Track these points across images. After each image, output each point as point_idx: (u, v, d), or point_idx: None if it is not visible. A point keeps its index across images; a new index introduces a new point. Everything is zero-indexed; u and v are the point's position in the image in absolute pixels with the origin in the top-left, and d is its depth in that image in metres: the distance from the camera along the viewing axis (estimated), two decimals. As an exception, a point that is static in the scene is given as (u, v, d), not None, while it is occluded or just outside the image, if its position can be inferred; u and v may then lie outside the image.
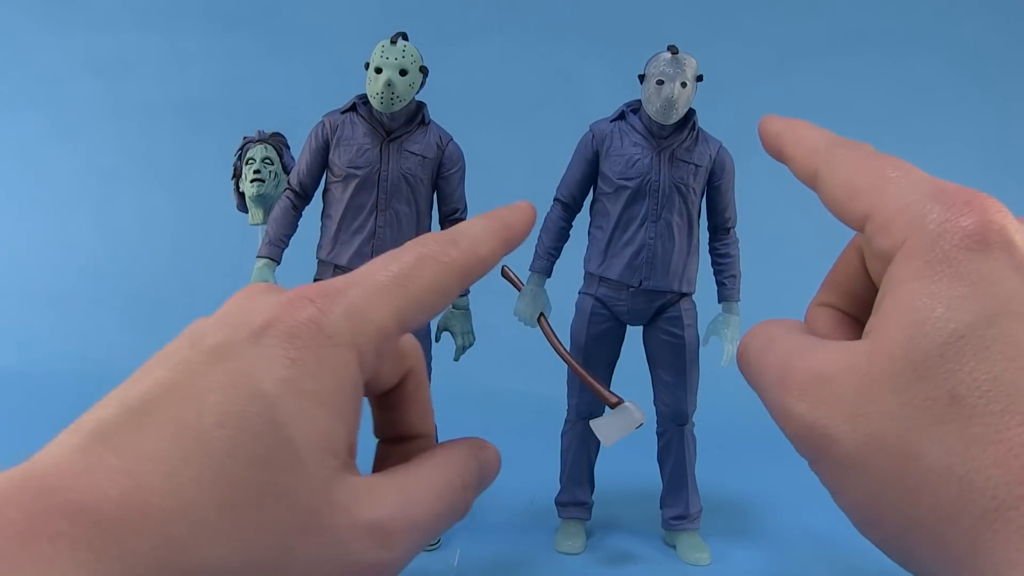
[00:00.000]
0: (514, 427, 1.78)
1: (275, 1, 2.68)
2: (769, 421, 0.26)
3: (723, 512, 1.31)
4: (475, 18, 2.62)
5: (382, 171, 1.13)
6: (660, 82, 1.08)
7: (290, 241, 1.19)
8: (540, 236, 1.19)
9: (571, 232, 1.21)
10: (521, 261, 1.15)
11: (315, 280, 1.18)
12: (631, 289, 1.13)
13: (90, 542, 0.17)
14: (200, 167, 2.51)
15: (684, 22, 2.51)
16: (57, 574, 0.16)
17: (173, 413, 0.19)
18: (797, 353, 0.23)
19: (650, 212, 1.12)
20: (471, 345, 1.24)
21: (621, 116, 1.16)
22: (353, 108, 1.16)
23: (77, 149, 2.67)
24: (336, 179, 1.15)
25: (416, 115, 1.15)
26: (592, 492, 1.20)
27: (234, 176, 1.40)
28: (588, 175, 1.17)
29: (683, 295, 1.16)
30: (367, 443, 0.27)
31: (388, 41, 1.11)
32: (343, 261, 1.14)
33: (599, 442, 0.96)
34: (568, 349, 0.94)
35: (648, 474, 1.25)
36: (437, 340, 1.23)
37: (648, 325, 1.17)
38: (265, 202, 1.34)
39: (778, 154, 0.28)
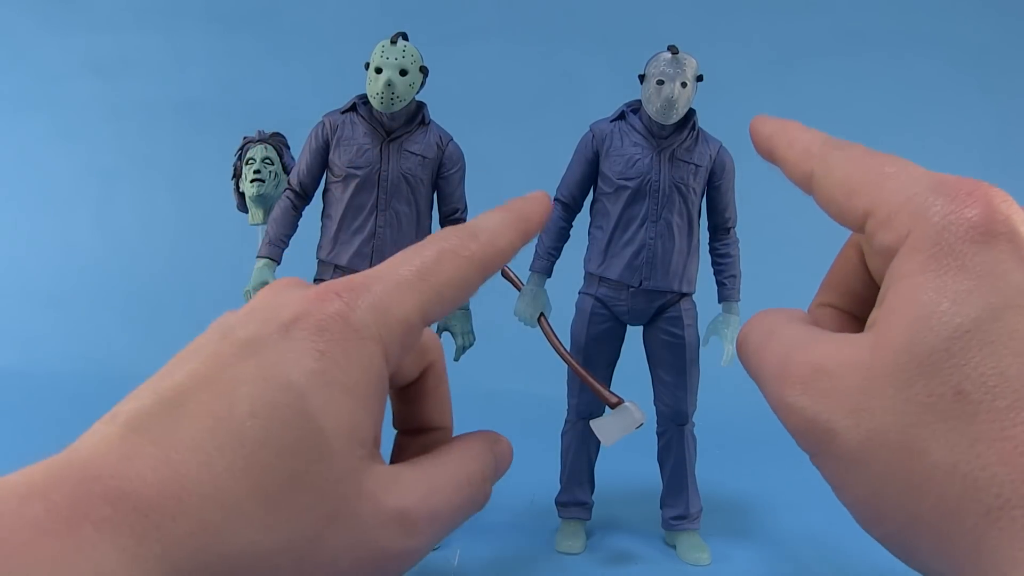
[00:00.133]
0: (514, 427, 1.77)
1: (275, 1, 2.68)
2: (769, 421, 0.26)
3: (723, 512, 1.31)
4: (475, 18, 2.62)
5: (382, 171, 1.13)
6: (660, 82, 1.08)
7: (290, 241, 1.19)
8: (540, 236, 1.19)
9: (571, 232, 1.21)
10: (521, 261, 1.15)
11: (315, 280, 1.18)
12: (631, 289, 1.13)
13: (131, 527, 0.17)
14: (200, 167, 2.51)
15: (684, 22, 2.51)
16: (100, 557, 0.17)
17: (207, 404, 0.20)
18: (798, 345, 0.23)
19: (650, 212, 1.12)
20: (471, 345, 1.24)
21: (621, 116, 1.16)
22: (353, 108, 1.16)
23: (77, 149, 2.67)
24: (336, 179, 1.15)
25: (416, 115, 1.15)
26: (592, 492, 1.20)
27: (234, 176, 1.40)
28: (588, 175, 1.17)
29: (683, 295, 1.16)
30: (386, 434, 0.27)
31: (388, 41, 1.11)
32: (343, 261, 1.14)
33: (599, 442, 0.96)
34: (568, 349, 0.94)
35: (648, 474, 1.25)
36: (437, 340, 1.23)
37: (648, 325, 1.17)
38: (265, 202, 1.34)
39: (770, 156, 0.28)
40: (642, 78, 1.13)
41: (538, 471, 1.34)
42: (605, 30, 2.57)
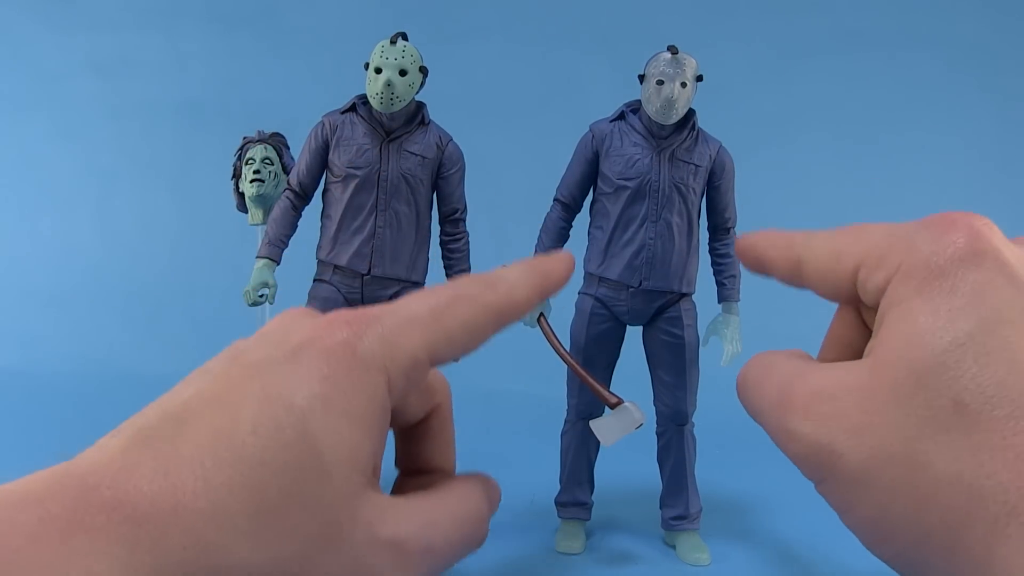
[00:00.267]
0: (514, 427, 1.78)
1: (275, 1, 2.68)
2: (769, 421, 0.26)
3: (723, 512, 1.31)
4: (475, 18, 2.62)
5: (382, 171, 1.13)
6: (660, 82, 1.08)
7: (290, 241, 1.19)
8: (540, 236, 1.19)
9: (571, 232, 1.21)
10: (521, 261, 1.15)
11: (315, 280, 1.18)
12: (631, 289, 1.13)
13: (124, 536, 0.17)
14: (200, 167, 2.51)
15: (684, 22, 2.51)
16: (92, 565, 0.17)
17: (210, 421, 0.20)
18: (797, 374, 0.23)
19: (650, 212, 1.12)
20: (471, 345, 1.24)
21: (621, 116, 1.16)
22: (353, 108, 1.16)
23: (77, 149, 2.67)
24: (336, 179, 1.15)
25: (416, 115, 1.15)
26: (592, 492, 1.20)
27: (234, 176, 1.40)
28: (588, 175, 1.17)
29: (683, 295, 1.16)
30: (387, 473, 0.27)
31: (388, 41, 1.11)
32: (343, 261, 1.14)
33: (599, 442, 0.96)
34: (568, 349, 0.93)
35: (648, 474, 1.25)
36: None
37: (648, 325, 1.17)
38: (265, 202, 1.34)
39: (758, 262, 0.28)
40: (642, 78, 1.13)
41: (538, 471, 1.34)
42: (605, 30, 2.57)
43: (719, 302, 1.20)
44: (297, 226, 1.19)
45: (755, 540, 1.21)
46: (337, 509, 0.20)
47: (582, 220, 1.21)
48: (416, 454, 0.28)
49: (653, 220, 1.12)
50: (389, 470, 0.29)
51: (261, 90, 2.58)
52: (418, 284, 1.19)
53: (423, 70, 1.13)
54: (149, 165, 2.65)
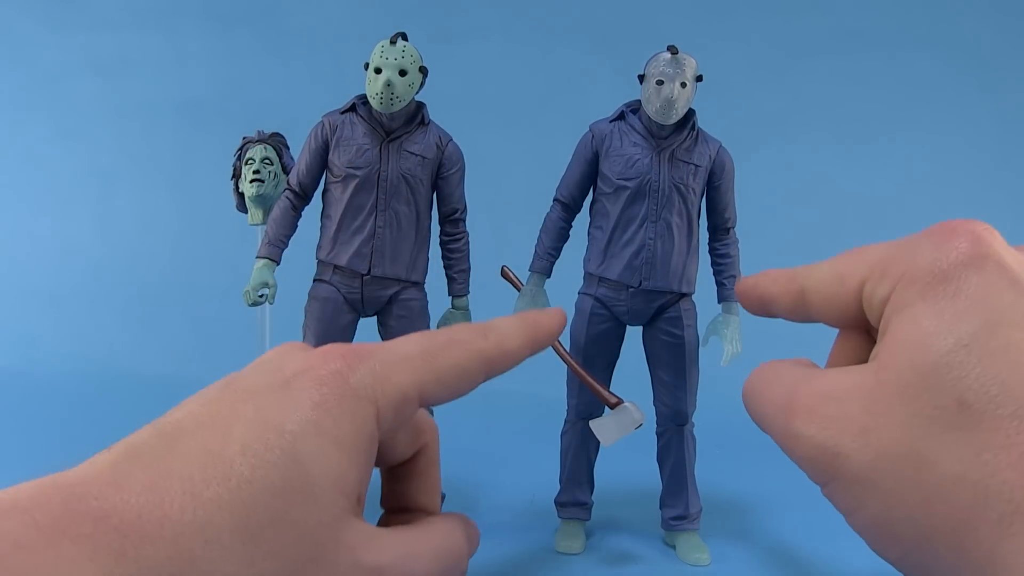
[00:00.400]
0: (514, 427, 1.78)
1: (275, 1, 2.68)
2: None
3: (723, 512, 1.31)
4: (475, 18, 2.62)
5: (382, 171, 1.13)
6: (660, 82, 1.08)
7: (289, 241, 1.19)
8: (540, 236, 1.19)
9: (571, 232, 1.21)
10: (521, 261, 1.15)
11: (314, 280, 1.18)
12: (631, 289, 1.13)
13: (110, 546, 0.18)
14: (200, 167, 2.51)
15: (684, 22, 2.51)
16: (77, 572, 0.17)
17: (201, 440, 0.20)
18: (802, 379, 0.23)
19: (650, 212, 1.12)
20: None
21: (621, 116, 1.16)
22: (353, 108, 1.16)
23: (77, 149, 2.67)
24: (336, 179, 1.15)
25: (416, 115, 1.15)
26: (592, 492, 1.20)
27: (234, 176, 1.40)
28: (587, 175, 1.17)
29: (683, 295, 1.16)
30: (374, 511, 0.28)
31: (388, 41, 1.11)
32: (343, 261, 1.14)
33: (599, 442, 0.96)
34: (568, 349, 0.93)
35: (648, 474, 1.25)
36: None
37: (648, 325, 1.17)
38: (265, 202, 1.35)
39: (761, 302, 0.29)
40: (642, 78, 1.13)
41: (538, 471, 1.34)
42: (605, 30, 2.57)
43: (719, 302, 1.20)
44: (297, 226, 1.19)
45: (755, 540, 1.21)
46: (322, 532, 0.21)
47: (582, 220, 1.21)
48: (401, 493, 0.29)
49: (653, 220, 1.12)
50: (375, 508, 0.29)
51: (261, 90, 2.58)
52: (418, 284, 1.19)
53: (423, 70, 1.13)
54: (149, 165, 2.65)
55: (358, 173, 1.13)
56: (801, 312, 0.26)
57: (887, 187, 2.48)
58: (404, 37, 1.12)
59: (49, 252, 2.58)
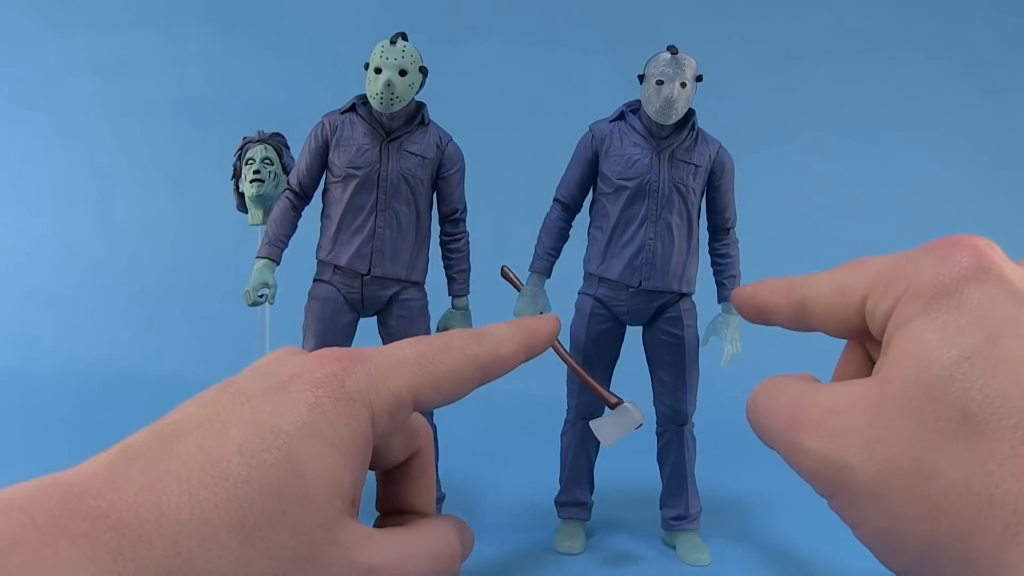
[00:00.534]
0: (514, 427, 1.78)
1: (275, 1, 2.68)
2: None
3: (723, 512, 1.31)
4: (475, 17, 2.62)
5: (382, 171, 1.13)
6: (659, 82, 1.08)
7: (289, 241, 1.19)
8: (540, 236, 1.19)
9: (571, 232, 1.21)
10: (521, 261, 1.15)
11: (314, 280, 1.18)
12: (631, 289, 1.13)
13: (107, 544, 0.18)
14: (200, 167, 2.51)
15: (684, 21, 2.51)
16: (74, 570, 0.17)
17: (198, 441, 0.21)
18: (806, 394, 0.23)
19: (650, 212, 1.12)
20: (471, 345, 1.24)
21: (621, 116, 1.16)
22: (352, 108, 1.16)
23: (77, 149, 2.67)
24: (335, 179, 1.15)
25: (416, 115, 1.15)
26: (592, 492, 1.20)
27: (234, 176, 1.40)
28: (587, 175, 1.17)
29: (683, 295, 1.16)
30: (368, 511, 0.28)
31: (388, 41, 1.11)
32: (343, 261, 1.14)
33: (599, 442, 0.96)
34: (568, 349, 0.93)
35: (648, 474, 1.25)
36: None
37: (648, 325, 1.17)
38: (265, 202, 1.35)
39: (759, 311, 0.29)
40: (641, 78, 1.13)
41: (538, 471, 1.34)
42: (605, 30, 2.57)
43: (719, 302, 1.20)
44: (297, 226, 1.19)
45: (755, 540, 1.21)
46: (318, 531, 0.21)
47: (582, 220, 1.21)
48: (396, 495, 0.29)
49: (653, 220, 1.12)
50: (371, 511, 0.29)
51: (261, 90, 2.58)
52: (418, 284, 1.19)
53: (423, 70, 1.13)
54: (149, 165, 2.65)
55: (358, 173, 1.13)
56: (801, 322, 0.27)
57: (887, 187, 2.48)
58: (404, 37, 1.12)
59: (49, 252, 2.57)
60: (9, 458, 1.35)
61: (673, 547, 1.16)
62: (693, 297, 1.18)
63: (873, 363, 0.26)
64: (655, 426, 1.18)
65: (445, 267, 1.23)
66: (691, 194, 1.14)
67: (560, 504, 1.20)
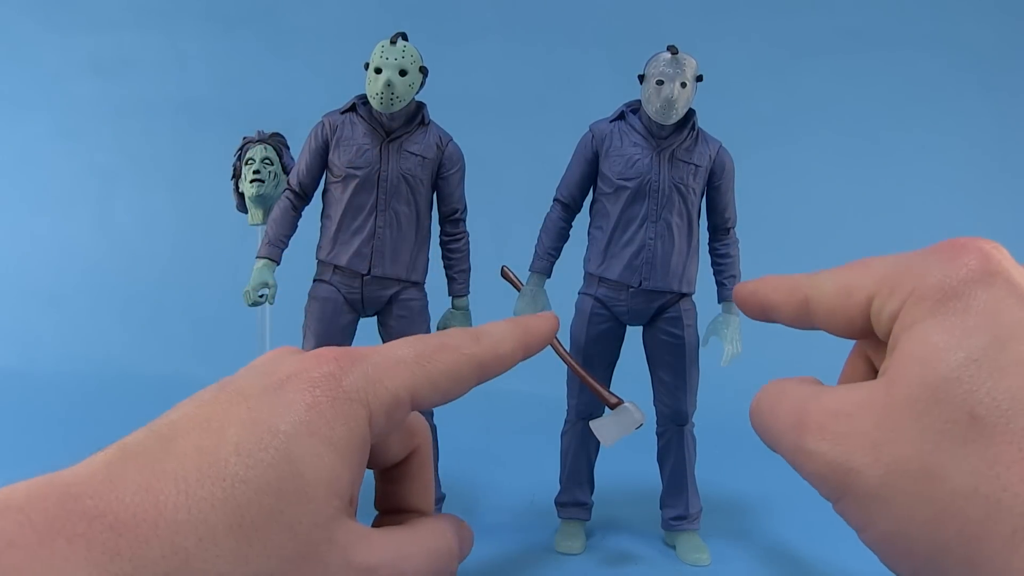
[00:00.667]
0: (514, 427, 1.78)
1: (275, 1, 2.68)
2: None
3: (723, 512, 1.31)
4: (475, 17, 2.62)
5: (382, 171, 1.13)
6: (660, 82, 1.08)
7: (289, 241, 1.19)
8: (540, 236, 1.19)
9: (571, 232, 1.21)
10: (521, 261, 1.15)
11: (314, 280, 1.18)
12: (631, 289, 1.13)
13: (104, 544, 0.18)
14: (200, 167, 2.51)
15: (684, 21, 2.51)
16: (71, 570, 0.17)
17: (195, 440, 0.21)
18: (811, 397, 0.23)
19: (650, 212, 1.12)
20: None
21: (621, 116, 1.16)
22: (353, 108, 1.16)
23: (77, 149, 2.67)
24: (336, 179, 1.15)
25: (416, 115, 1.15)
26: (592, 492, 1.20)
27: (234, 176, 1.40)
28: (588, 175, 1.17)
29: (683, 295, 1.16)
30: (367, 510, 0.28)
31: (388, 41, 1.11)
32: (343, 261, 1.14)
33: (599, 442, 0.96)
34: (568, 350, 0.93)
35: (648, 474, 1.25)
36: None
37: (648, 325, 1.17)
38: (265, 202, 1.35)
39: (762, 309, 0.28)
40: (642, 78, 1.13)
41: (538, 471, 1.34)
42: (605, 30, 2.57)
43: (719, 302, 1.20)
44: (297, 226, 1.19)
45: (755, 540, 1.21)
46: (315, 530, 0.21)
47: (582, 220, 1.21)
48: (394, 494, 0.29)
49: (653, 220, 1.12)
50: (369, 510, 0.29)
51: (261, 90, 2.58)
52: (418, 284, 1.19)
53: (423, 70, 1.13)
54: (149, 165, 2.65)
55: (358, 173, 1.13)
56: (804, 321, 0.26)
57: (887, 187, 2.48)
58: (404, 37, 1.12)
59: (49, 252, 2.57)
60: (9, 458, 1.35)
61: (673, 547, 1.16)
62: (693, 297, 1.18)
63: (877, 370, 0.26)
64: (655, 426, 1.18)
65: (445, 267, 1.23)
66: (691, 194, 1.14)
67: (560, 504, 1.20)
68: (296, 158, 1.22)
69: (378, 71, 1.09)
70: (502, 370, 0.28)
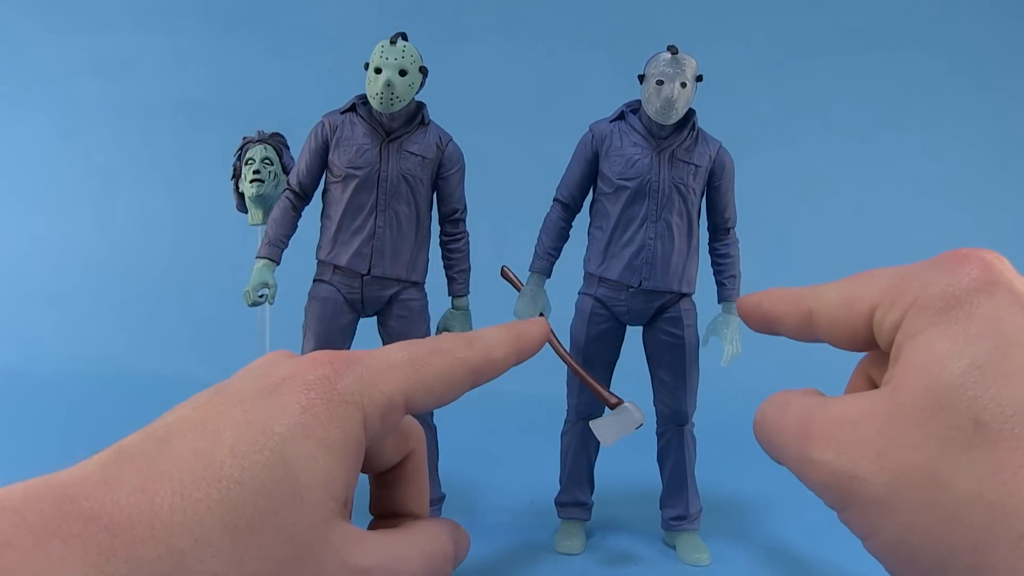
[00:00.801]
0: (514, 427, 1.78)
1: (275, 1, 2.68)
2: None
3: (723, 512, 1.31)
4: (475, 18, 2.62)
5: (382, 171, 1.13)
6: (660, 82, 1.08)
7: (289, 241, 1.19)
8: (540, 236, 1.19)
9: (571, 232, 1.21)
10: (521, 261, 1.15)
11: (314, 280, 1.18)
12: (631, 289, 1.13)
13: (100, 545, 0.18)
14: (200, 167, 2.51)
15: (684, 21, 2.51)
16: (67, 571, 0.17)
17: (190, 442, 0.21)
18: (816, 407, 0.23)
19: (650, 212, 1.12)
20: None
21: (621, 116, 1.16)
22: (352, 108, 1.16)
23: (77, 149, 2.67)
24: (335, 179, 1.15)
25: (416, 115, 1.15)
26: (592, 492, 1.20)
27: (234, 176, 1.40)
28: (588, 175, 1.17)
29: (683, 295, 1.16)
30: (362, 514, 0.28)
31: (388, 41, 1.11)
32: (343, 261, 1.14)
33: (599, 442, 0.96)
34: (568, 349, 0.93)
35: (648, 474, 1.25)
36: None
37: (648, 325, 1.17)
38: (265, 202, 1.35)
39: (765, 320, 0.29)
40: (641, 78, 1.13)
41: (538, 471, 1.34)
42: (605, 30, 2.57)
43: (719, 302, 1.20)
44: (297, 226, 1.19)
45: (755, 540, 1.21)
46: (310, 532, 0.21)
47: (582, 220, 1.21)
48: (389, 498, 0.29)
49: (653, 220, 1.12)
50: (364, 514, 0.29)
51: (261, 90, 2.58)
52: (418, 284, 1.19)
53: (423, 70, 1.13)
54: (149, 165, 2.65)
55: (358, 173, 1.13)
56: (807, 333, 0.27)
57: (887, 187, 2.48)
58: (404, 37, 1.12)
59: (49, 252, 2.57)
60: (8, 458, 1.35)
61: (673, 547, 1.16)
62: (693, 297, 1.18)
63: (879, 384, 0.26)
64: (655, 426, 1.18)
65: (445, 267, 1.23)
66: (691, 194, 1.14)
67: (560, 504, 1.20)
68: (296, 158, 1.22)
69: (378, 71, 1.09)
70: (495, 375, 0.28)
